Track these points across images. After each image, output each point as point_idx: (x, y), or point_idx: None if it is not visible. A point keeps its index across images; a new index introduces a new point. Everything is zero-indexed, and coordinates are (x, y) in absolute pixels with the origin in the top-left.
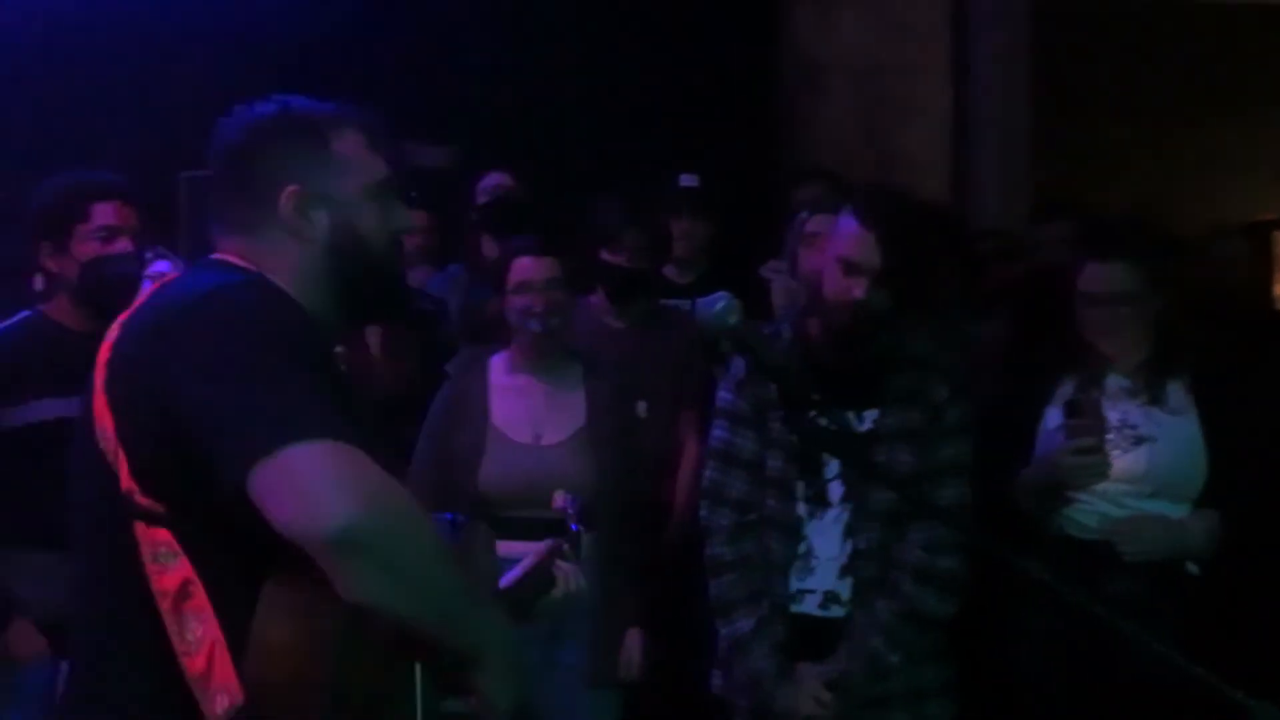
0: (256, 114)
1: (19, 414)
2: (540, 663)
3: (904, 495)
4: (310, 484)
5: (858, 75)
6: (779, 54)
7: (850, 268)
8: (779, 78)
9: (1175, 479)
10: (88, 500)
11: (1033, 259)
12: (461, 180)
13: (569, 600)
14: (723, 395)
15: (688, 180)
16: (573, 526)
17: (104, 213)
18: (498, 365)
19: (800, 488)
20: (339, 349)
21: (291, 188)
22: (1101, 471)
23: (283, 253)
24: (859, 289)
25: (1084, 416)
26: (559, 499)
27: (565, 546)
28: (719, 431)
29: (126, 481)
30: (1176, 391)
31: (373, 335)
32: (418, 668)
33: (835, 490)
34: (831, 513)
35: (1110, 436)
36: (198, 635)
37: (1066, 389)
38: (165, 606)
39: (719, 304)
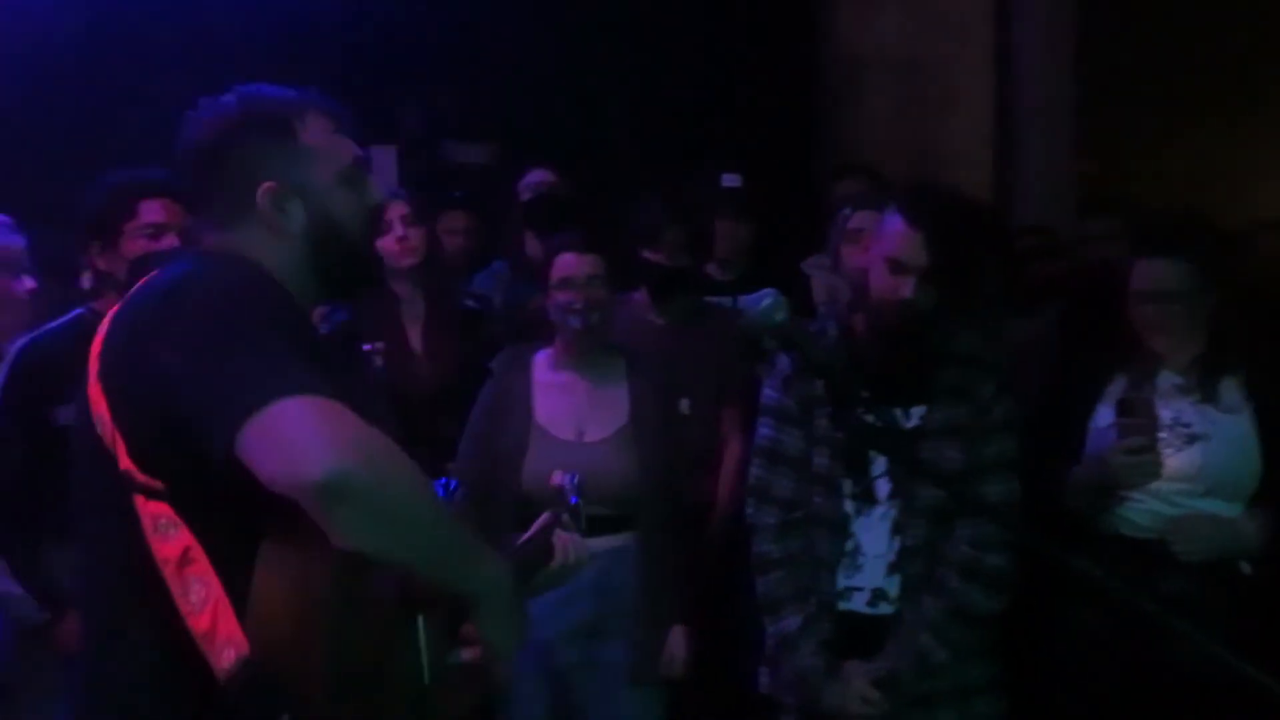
0: (222, 111)
1: (70, 411)
2: (583, 660)
3: (951, 492)
4: (293, 435)
5: (898, 69)
6: (820, 49)
7: (897, 267)
8: (820, 72)
9: (1229, 477)
10: (90, 484)
11: (1078, 255)
12: (504, 177)
13: (567, 571)
14: (768, 393)
15: (730, 180)
16: (571, 499)
17: (151, 210)
18: (541, 362)
19: (847, 485)
20: (379, 345)
21: (267, 185)
22: (1153, 471)
23: (262, 245)
24: (906, 288)
25: (1136, 415)
26: (557, 476)
27: (564, 518)
28: (764, 429)
29: (125, 463)
30: (1230, 389)
31: (414, 332)
32: (420, 619)
33: (882, 487)
34: (879, 510)
35: (1163, 435)
36: (201, 596)
37: (1118, 387)
38: (168, 572)
39: (766, 301)
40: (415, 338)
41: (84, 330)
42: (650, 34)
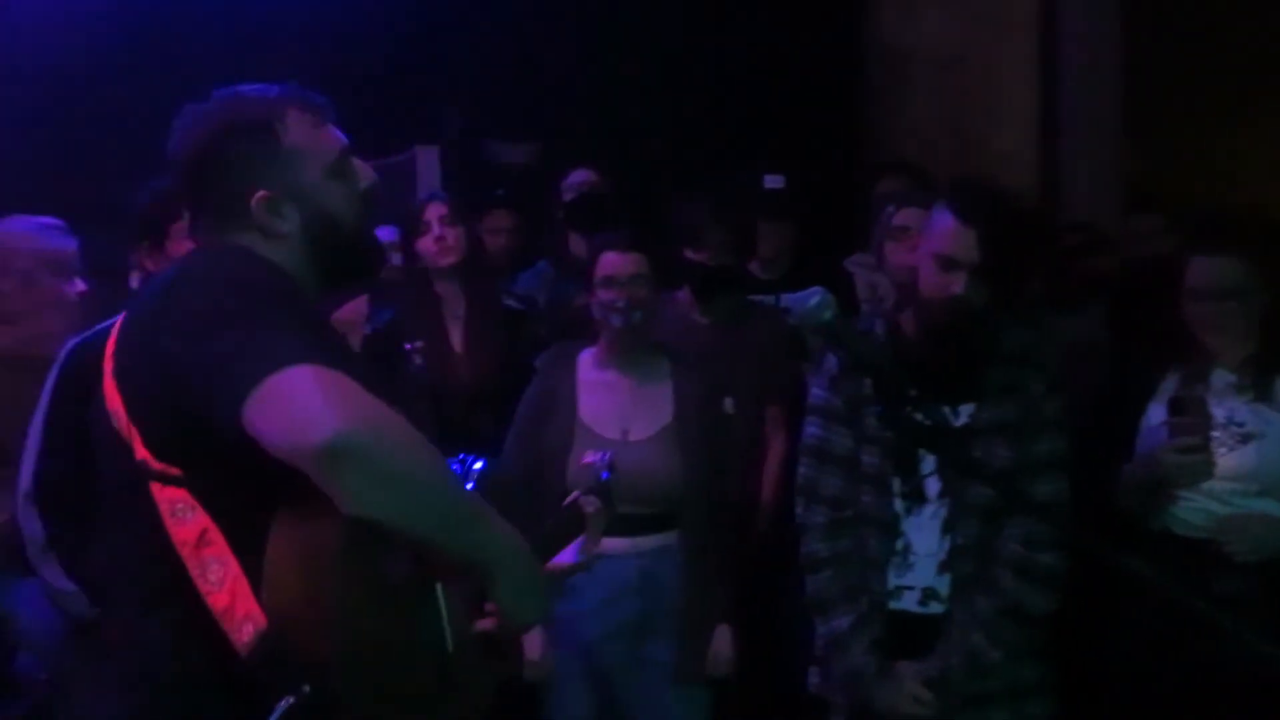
0: (203, 122)
1: None
2: (628, 659)
3: (1001, 490)
4: (297, 402)
5: (943, 66)
6: (863, 46)
7: (949, 264)
8: (863, 70)
9: None
10: (108, 477)
11: (1125, 252)
12: (546, 177)
13: (592, 543)
14: (816, 392)
15: (772, 181)
16: (602, 475)
17: None
18: (586, 361)
19: (896, 484)
20: (419, 344)
21: (259, 193)
22: (1206, 470)
23: (261, 248)
24: (957, 285)
25: (1188, 413)
26: (589, 454)
27: (594, 497)
28: (812, 428)
29: (141, 453)
30: None
31: (455, 331)
32: (439, 588)
33: (932, 486)
34: (929, 508)
35: (1216, 434)
36: (219, 575)
37: (1170, 385)
38: (186, 554)
39: (814, 299)
40: (456, 336)
41: None
42: (692, 33)
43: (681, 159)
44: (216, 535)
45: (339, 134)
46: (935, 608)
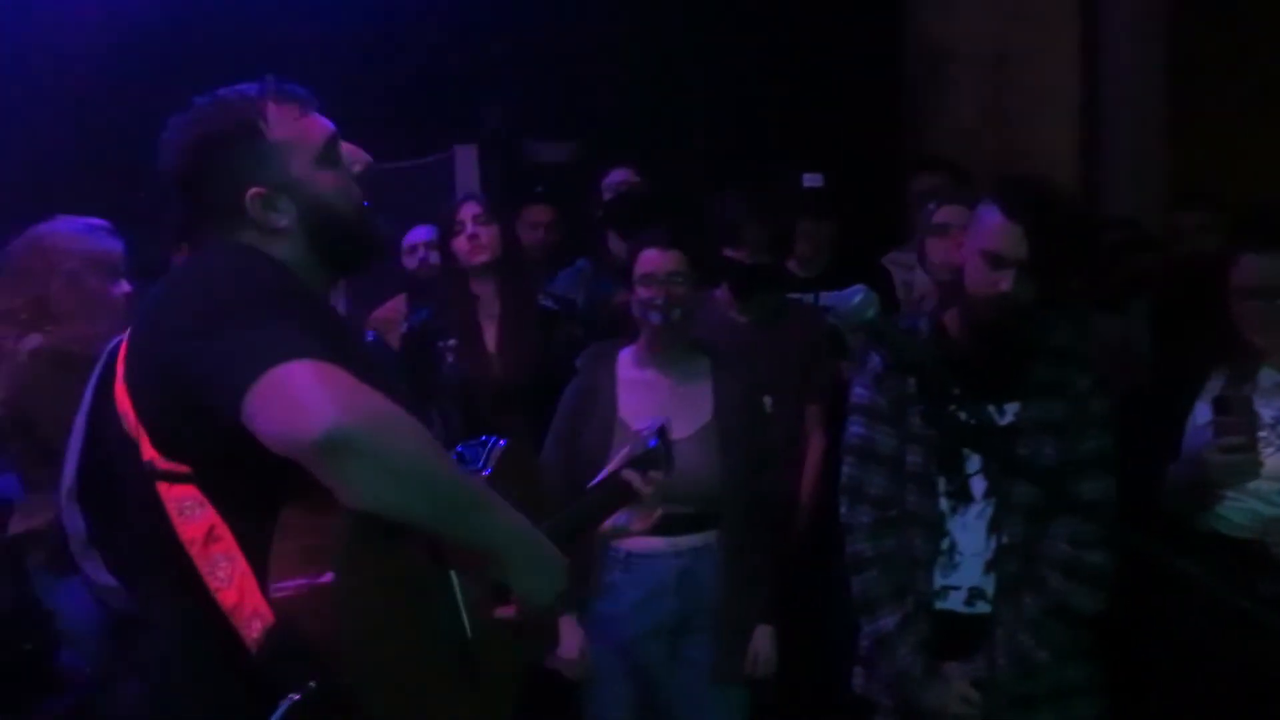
0: (187, 133)
1: None
2: (667, 658)
3: (1048, 489)
4: (293, 395)
5: (984, 62)
6: (904, 43)
7: (997, 260)
8: (903, 65)
9: None
10: (121, 478)
11: (1170, 249)
12: (585, 175)
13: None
14: (859, 391)
15: (811, 180)
16: (650, 443)
17: None
18: (625, 359)
19: (941, 483)
20: (452, 342)
21: (252, 192)
22: (1252, 470)
23: (261, 246)
24: (1005, 281)
25: (1234, 413)
26: (642, 420)
27: (634, 470)
28: (856, 428)
29: (148, 453)
30: None
31: (490, 330)
32: (454, 576)
33: (977, 485)
34: (974, 508)
35: (1262, 434)
36: (228, 572)
37: (1216, 384)
38: (194, 552)
39: (857, 298)
40: (490, 336)
41: None
42: (731, 30)
43: (721, 158)
44: (225, 531)
45: (324, 121)
46: (981, 607)
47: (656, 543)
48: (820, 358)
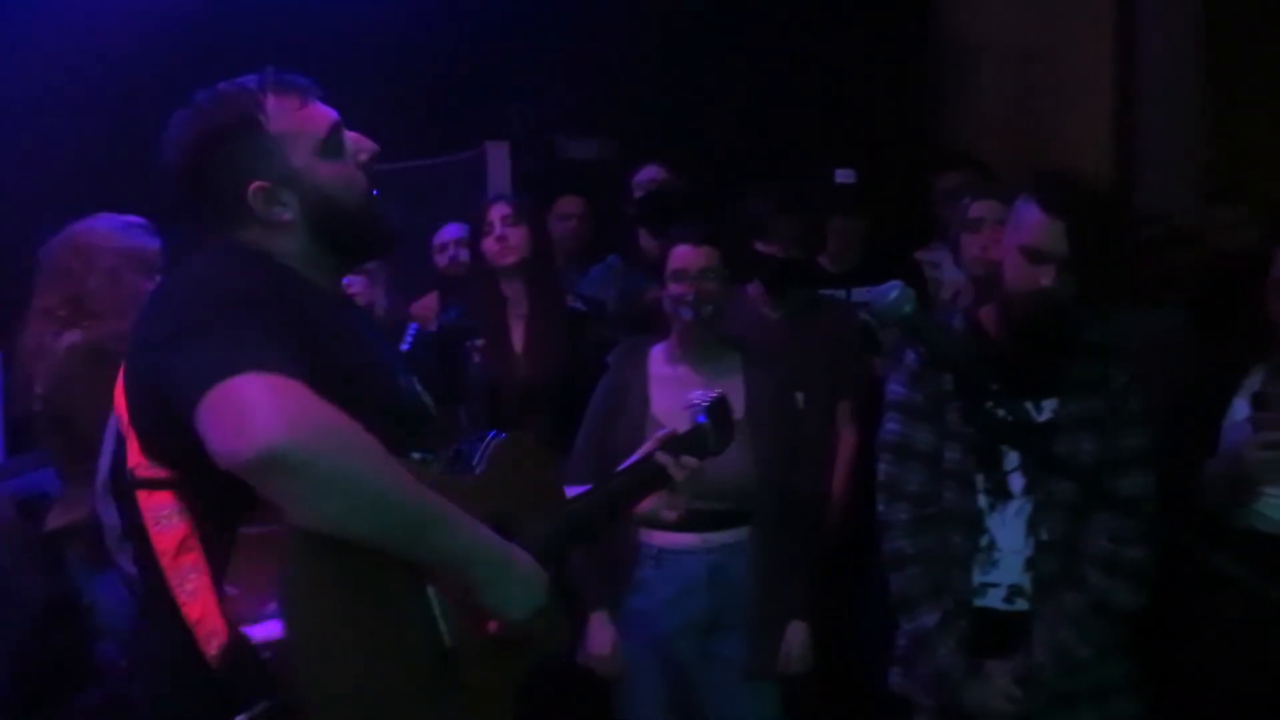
0: (187, 129)
1: None
2: (700, 655)
3: (1087, 485)
4: (237, 411)
5: (1016, 57)
6: (935, 40)
7: (1037, 256)
8: (933, 61)
9: None
10: (118, 479)
11: (1207, 245)
12: (616, 173)
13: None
14: (895, 388)
15: (843, 176)
16: (698, 419)
17: None
18: (657, 355)
19: (980, 480)
20: (479, 342)
21: (254, 186)
22: None
23: (265, 240)
24: (1046, 277)
25: (1273, 409)
26: (695, 392)
27: (668, 454)
28: (892, 424)
29: (134, 458)
30: None
31: (517, 330)
32: (429, 589)
33: (1016, 482)
34: (1013, 505)
35: None
36: (195, 585)
37: (1254, 380)
38: (166, 564)
39: (893, 294)
40: (518, 336)
41: None
42: (761, 26)
43: (753, 155)
44: (195, 544)
45: (326, 110)
46: (1021, 605)
47: (688, 539)
48: (852, 353)
